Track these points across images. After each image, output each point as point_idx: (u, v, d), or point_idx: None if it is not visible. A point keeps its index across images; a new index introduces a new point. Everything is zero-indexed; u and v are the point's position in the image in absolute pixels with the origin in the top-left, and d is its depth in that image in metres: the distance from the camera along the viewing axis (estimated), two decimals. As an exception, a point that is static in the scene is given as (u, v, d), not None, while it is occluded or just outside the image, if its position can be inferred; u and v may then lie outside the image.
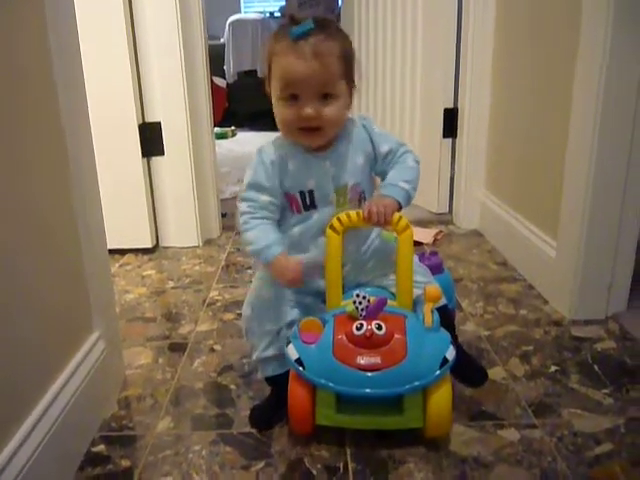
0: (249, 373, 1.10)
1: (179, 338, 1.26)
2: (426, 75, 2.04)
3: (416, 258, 1.00)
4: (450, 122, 1.96)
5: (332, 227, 0.89)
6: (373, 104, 2.37)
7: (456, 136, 1.96)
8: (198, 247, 1.85)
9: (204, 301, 1.45)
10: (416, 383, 0.83)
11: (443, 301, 0.97)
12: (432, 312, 0.88)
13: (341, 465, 0.85)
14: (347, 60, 0.89)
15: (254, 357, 0.98)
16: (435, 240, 1.83)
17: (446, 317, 0.96)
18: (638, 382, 1.04)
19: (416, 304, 0.93)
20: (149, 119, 1.75)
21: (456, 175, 2.00)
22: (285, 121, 0.89)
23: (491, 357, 1.14)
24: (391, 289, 0.96)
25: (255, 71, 4.75)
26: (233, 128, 4.40)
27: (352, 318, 0.85)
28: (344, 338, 0.84)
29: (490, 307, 1.37)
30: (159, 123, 1.75)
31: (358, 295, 0.84)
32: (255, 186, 0.93)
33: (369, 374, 0.82)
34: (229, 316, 1.36)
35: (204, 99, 1.85)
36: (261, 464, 0.86)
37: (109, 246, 1.71)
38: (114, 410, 1.00)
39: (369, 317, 0.84)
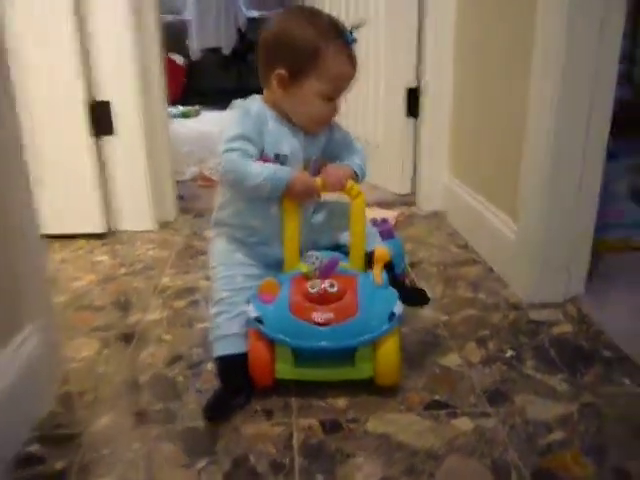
0: (198, 363, 1.06)
1: (127, 328, 1.20)
2: (389, 53, 1.99)
3: (368, 223, 1.07)
4: (413, 102, 1.92)
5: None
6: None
7: (417, 115, 1.93)
8: (153, 231, 1.78)
9: (155, 288, 1.39)
10: (366, 336, 0.90)
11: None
12: (381, 271, 0.95)
13: (287, 461, 0.82)
14: None
15: (213, 336, 0.97)
16: (396, 222, 1.80)
17: (391, 274, 1.02)
18: (593, 366, 1.03)
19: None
20: (99, 97, 1.66)
21: (418, 156, 1.97)
22: (318, 117, 0.96)
23: (447, 344, 1.11)
24: (345, 244, 1.03)
25: (220, 49, 4.63)
26: (197, 107, 4.29)
27: (307, 278, 0.92)
28: (299, 296, 0.91)
29: (449, 291, 1.34)
30: (108, 102, 1.67)
31: (311, 255, 0.93)
32: (244, 137, 0.92)
33: (323, 329, 0.89)
34: (180, 303, 1.31)
35: (157, 76, 1.77)
36: (204, 462, 0.82)
37: (59, 231, 1.68)
38: (51, 407, 0.94)
39: (323, 276, 0.91)
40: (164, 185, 1.85)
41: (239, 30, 4.71)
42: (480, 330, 1.17)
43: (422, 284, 1.37)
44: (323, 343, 0.89)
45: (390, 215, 1.82)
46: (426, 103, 1.86)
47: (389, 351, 0.93)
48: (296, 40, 0.91)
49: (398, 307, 0.93)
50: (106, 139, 1.70)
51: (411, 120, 1.96)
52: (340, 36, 0.91)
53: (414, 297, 1.10)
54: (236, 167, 0.92)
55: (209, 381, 0.99)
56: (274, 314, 0.91)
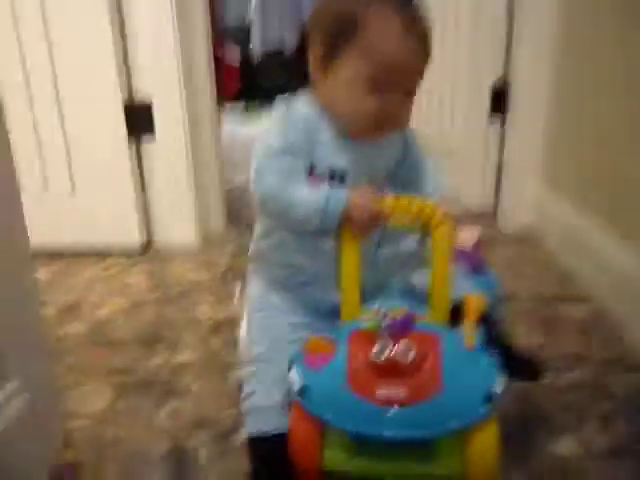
0: (228, 432, 0.83)
1: (149, 372, 0.99)
2: (470, 41, 1.71)
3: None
4: (499, 99, 1.63)
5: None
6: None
7: (505, 119, 1.63)
8: (196, 246, 1.58)
9: (190, 320, 1.18)
10: (453, 424, 0.63)
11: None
12: (475, 329, 0.69)
13: None
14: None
15: (245, 407, 0.74)
16: (478, 243, 1.51)
17: (489, 331, 0.74)
18: None
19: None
20: (138, 98, 1.47)
21: (504, 163, 1.67)
22: (362, 113, 0.69)
23: (558, 420, 0.83)
24: (421, 289, 0.75)
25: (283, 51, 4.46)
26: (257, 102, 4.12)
27: (371, 337, 0.65)
28: (360, 363, 0.65)
29: (550, 339, 1.05)
30: (149, 102, 1.48)
31: (379, 311, 0.65)
32: (286, 150, 0.69)
33: (392, 411, 0.63)
34: (216, 342, 1.08)
35: (204, 75, 1.57)
36: None
37: (92, 242, 1.51)
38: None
39: (393, 337, 0.65)
40: (210, 194, 1.64)
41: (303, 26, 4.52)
42: (600, 402, 0.87)
43: (515, 330, 1.09)
44: (391, 432, 0.63)
45: (469, 235, 1.53)
46: (516, 100, 1.56)
47: (485, 445, 0.66)
48: (331, 5, 0.70)
49: (499, 382, 0.66)
50: (146, 142, 1.51)
51: (496, 119, 1.67)
52: (394, 1, 0.67)
53: (520, 367, 0.80)
54: (276, 194, 0.69)
55: (238, 462, 0.76)
56: (324, 386, 0.66)
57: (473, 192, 1.76)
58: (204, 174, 1.62)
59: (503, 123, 1.65)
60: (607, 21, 1.21)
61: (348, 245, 0.72)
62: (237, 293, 1.20)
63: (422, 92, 1.93)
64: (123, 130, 1.44)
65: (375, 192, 0.71)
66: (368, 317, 0.67)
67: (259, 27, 4.55)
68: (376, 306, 0.67)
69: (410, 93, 0.70)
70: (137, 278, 1.40)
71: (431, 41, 0.70)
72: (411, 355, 0.63)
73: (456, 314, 0.73)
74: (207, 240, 1.62)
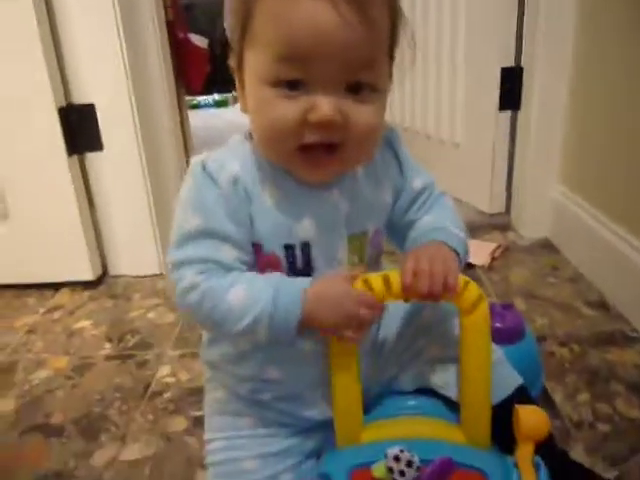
0: None
1: (91, 476, 0.76)
2: (475, 18, 1.45)
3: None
4: (511, 87, 1.38)
5: None
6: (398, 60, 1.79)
7: (519, 107, 1.39)
8: (159, 275, 1.33)
9: (147, 388, 0.94)
10: None
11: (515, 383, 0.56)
12: (534, 463, 0.47)
13: None
14: (396, 18, 0.47)
15: None
16: (493, 259, 1.29)
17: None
18: None
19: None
20: (76, 100, 1.21)
21: (518, 161, 1.43)
22: (276, 127, 0.45)
23: None
24: (446, 392, 0.55)
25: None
26: (235, 94, 3.83)
27: None
28: None
29: (600, 405, 0.83)
30: (92, 105, 1.21)
31: (398, 458, 0.44)
32: (210, 233, 0.48)
33: None
34: (179, 424, 0.85)
35: (158, 63, 1.30)
36: None
37: (31, 280, 1.26)
38: None
39: None
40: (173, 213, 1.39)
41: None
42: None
43: (550, 384, 0.87)
44: None
45: (484, 250, 1.30)
46: (531, 89, 1.31)
47: None
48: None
49: None
50: (91, 156, 1.25)
51: (506, 112, 1.42)
52: None
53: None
54: (199, 299, 0.47)
55: None
56: None
57: (481, 194, 1.53)
58: (167, 187, 1.36)
59: (515, 116, 1.41)
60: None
61: (339, 346, 0.50)
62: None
63: (417, 79, 1.67)
64: (59, 140, 1.18)
65: (361, 270, 0.49)
66: (377, 444, 0.46)
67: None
68: (394, 448, 0.45)
69: (358, 88, 0.45)
70: (85, 324, 1.15)
71: (383, 8, 0.44)
72: None
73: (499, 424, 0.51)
74: (173, 265, 1.37)
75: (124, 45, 1.17)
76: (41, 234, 1.24)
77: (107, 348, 1.06)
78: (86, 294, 1.27)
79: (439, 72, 1.60)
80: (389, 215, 0.57)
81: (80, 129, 1.22)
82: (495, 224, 1.47)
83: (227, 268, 0.48)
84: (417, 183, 0.57)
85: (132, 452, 0.80)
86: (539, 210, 1.37)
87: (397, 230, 0.58)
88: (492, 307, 0.71)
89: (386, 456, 0.45)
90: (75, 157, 1.23)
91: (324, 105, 0.43)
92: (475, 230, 1.44)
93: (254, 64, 0.45)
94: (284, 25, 0.42)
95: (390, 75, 0.50)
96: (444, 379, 0.55)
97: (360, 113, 0.45)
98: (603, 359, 0.93)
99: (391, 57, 0.49)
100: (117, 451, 0.80)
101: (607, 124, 1.14)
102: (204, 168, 0.49)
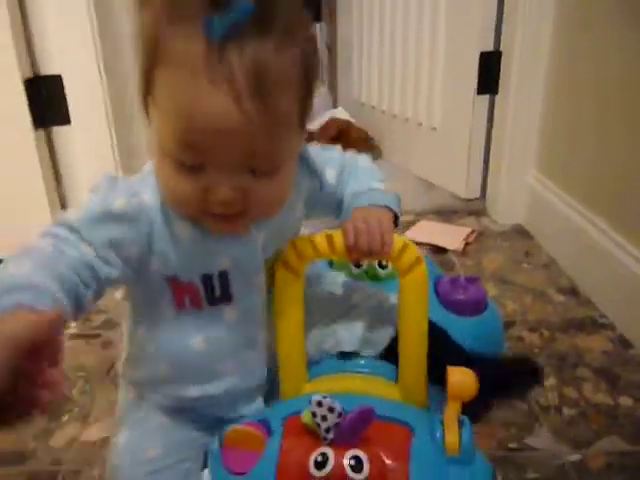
0: None
1: None
2: (455, 2, 1.43)
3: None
4: (489, 72, 1.37)
5: (286, 264, 0.54)
6: (378, 42, 1.77)
7: (497, 92, 1.38)
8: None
9: (110, 368, 0.91)
10: None
11: None
12: (459, 424, 0.48)
13: None
14: (309, 85, 0.45)
15: None
16: (467, 244, 1.29)
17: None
18: None
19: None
20: (43, 71, 1.17)
21: (494, 147, 1.43)
22: (177, 199, 0.45)
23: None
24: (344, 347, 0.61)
25: None
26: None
27: (313, 432, 0.47)
28: (298, 472, 0.46)
29: (569, 390, 0.83)
30: (59, 77, 1.17)
31: (320, 403, 0.46)
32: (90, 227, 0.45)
33: None
34: None
35: (131, 35, 1.25)
36: None
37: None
38: None
39: (341, 442, 0.46)
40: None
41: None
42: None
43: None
44: None
45: (457, 235, 1.30)
46: (510, 73, 1.30)
47: None
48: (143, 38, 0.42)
49: None
50: (58, 130, 1.21)
51: (484, 97, 1.41)
52: (193, 22, 0.38)
53: (518, 374, 0.73)
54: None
55: None
56: None
57: (457, 178, 1.52)
58: (137, 162, 1.32)
59: (492, 101, 1.40)
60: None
61: (286, 295, 0.54)
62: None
63: (396, 62, 1.66)
64: (25, 113, 1.14)
65: None
66: (306, 414, 0.47)
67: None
68: (316, 398, 0.46)
69: (253, 171, 0.44)
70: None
71: (290, 92, 0.42)
72: (365, 472, 0.45)
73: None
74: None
75: (93, 13, 1.13)
76: (5, 210, 1.20)
77: (72, 327, 1.03)
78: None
79: (418, 55, 1.59)
80: (322, 203, 0.60)
81: (47, 102, 1.18)
82: (470, 209, 1.47)
83: (82, 262, 0.43)
84: (330, 174, 0.58)
85: (93, 433, 0.78)
86: (514, 196, 1.37)
87: (334, 209, 0.61)
88: (457, 280, 0.74)
89: (310, 402, 0.46)
90: (42, 131, 1.19)
91: (222, 187, 0.42)
92: (450, 215, 1.44)
93: (158, 125, 0.43)
94: (184, 114, 0.40)
95: (301, 141, 0.50)
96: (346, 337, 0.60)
97: (262, 189, 0.44)
98: (572, 345, 0.94)
99: (302, 126, 0.47)
100: (78, 432, 0.78)
101: (584, 112, 1.13)
102: (115, 182, 0.48)
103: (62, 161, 1.24)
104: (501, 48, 1.33)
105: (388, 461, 0.46)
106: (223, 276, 0.50)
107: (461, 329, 0.68)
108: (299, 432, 0.48)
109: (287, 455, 0.47)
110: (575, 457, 0.71)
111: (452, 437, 0.47)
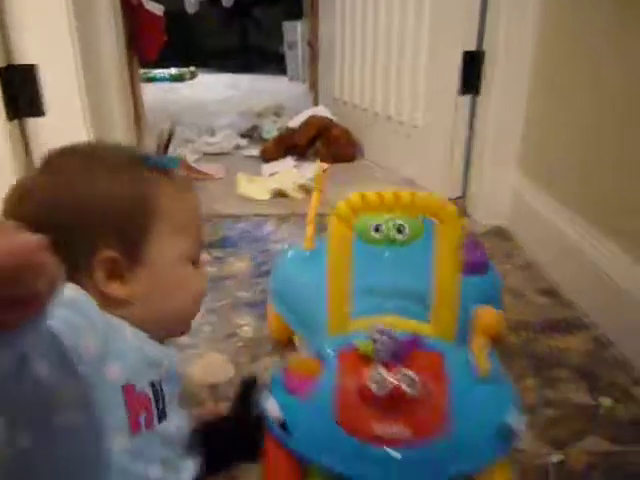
0: None
1: None
2: (439, 1, 1.43)
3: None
4: (471, 72, 1.37)
5: (339, 215, 0.61)
6: (361, 40, 1.76)
7: (479, 92, 1.38)
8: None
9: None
10: (460, 468, 0.53)
11: None
12: (487, 351, 0.60)
13: None
14: None
15: None
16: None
17: None
18: None
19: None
20: (17, 60, 1.13)
21: (476, 147, 1.43)
22: (197, 299, 0.53)
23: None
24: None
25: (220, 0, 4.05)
26: (193, 69, 3.73)
27: (365, 358, 0.54)
28: (353, 393, 0.54)
29: (548, 391, 0.83)
30: (34, 66, 1.14)
31: (381, 331, 0.54)
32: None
33: (391, 452, 0.52)
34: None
35: (109, 26, 1.23)
36: None
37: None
38: None
39: (392, 363, 0.53)
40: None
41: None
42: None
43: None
44: (389, 476, 0.52)
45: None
46: (492, 73, 1.31)
47: None
48: (108, 201, 0.46)
49: (514, 415, 0.54)
50: (33, 120, 1.18)
51: (466, 97, 1.41)
52: (156, 168, 0.49)
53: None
54: None
55: None
56: (309, 417, 0.54)
57: (439, 177, 1.52)
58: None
59: (475, 101, 1.40)
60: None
61: (339, 242, 0.61)
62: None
63: (377, 61, 1.66)
64: (-2, 105, 1.11)
65: None
66: (361, 331, 0.56)
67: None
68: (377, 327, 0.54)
69: None
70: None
71: None
72: (416, 387, 0.51)
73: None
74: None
75: (70, 2, 1.09)
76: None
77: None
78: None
79: (401, 54, 1.59)
80: None
81: (21, 92, 1.15)
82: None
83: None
84: None
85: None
86: (496, 197, 1.38)
87: None
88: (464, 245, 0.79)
89: (360, 336, 0.54)
90: (16, 122, 1.16)
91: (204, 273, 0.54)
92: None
93: (175, 248, 0.49)
94: (190, 212, 0.51)
95: None
96: None
97: None
98: (551, 345, 0.94)
99: None
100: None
101: (567, 114, 1.14)
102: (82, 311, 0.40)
103: (35, 153, 1.21)
104: (484, 48, 1.34)
105: (431, 381, 0.53)
106: (158, 385, 0.46)
107: (468, 287, 0.71)
108: (353, 359, 0.55)
109: (345, 376, 0.54)
110: (557, 457, 0.71)
111: (482, 362, 0.56)
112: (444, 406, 0.54)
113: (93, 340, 0.37)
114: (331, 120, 1.93)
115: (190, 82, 3.50)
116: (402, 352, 0.54)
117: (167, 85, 3.36)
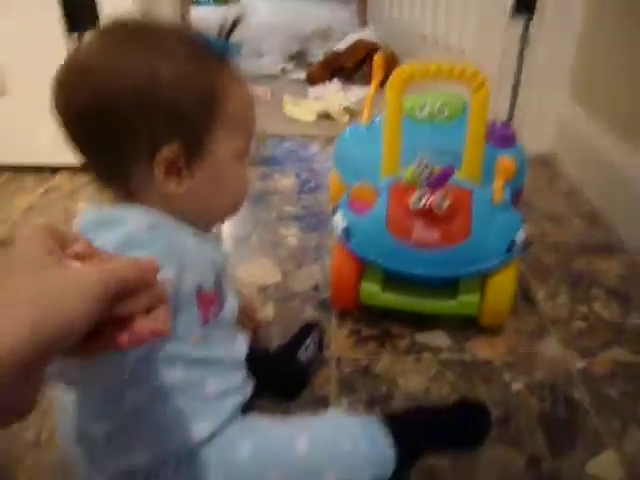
0: None
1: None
2: None
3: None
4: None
5: (392, 85, 0.76)
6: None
7: (533, 13, 1.34)
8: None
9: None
10: (477, 266, 0.74)
11: None
12: (503, 187, 0.76)
13: None
14: None
15: None
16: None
17: None
18: None
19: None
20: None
21: (526, 72, 1.40)
22: (245, 190, 0.53)
23: (592, 424, 0.67)
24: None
25: None
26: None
27: (410, 189, 0.74)
28: (400, 209, 0.74)
29: (580, 307, 0.87)
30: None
31: (421, 161, 0.72)
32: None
33: (425, 252, 0.73)
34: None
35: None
36: None
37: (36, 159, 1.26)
38: None
39: (431, 188, 0.72)
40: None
41: None
42: (647, 396, 0.71)
43: (536, 290, 0.90)
44: (422, 269, 0.74)
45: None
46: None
47: (502, 288, 0.76)
48: (175, 93, 0.44)
49: (520, 234, 0.75)
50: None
51: (520, 17, 1.37)
52: (219, 54, 0.47)
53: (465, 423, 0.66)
54: None
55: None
56: (366, 228, 0.76)
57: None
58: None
59: (528, 24, 1.36)
60: None
61: (392, 102, 0.76)
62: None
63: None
64: (58, 17, 1.14)
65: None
66: (407, 170, 0.74)
67: None
68: (421, 156, 0.72)
69: None
70: (84, 206, 1.17)
71: None
72: (446, 204, 0.71)
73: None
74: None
75: None
76: (40, 113, 1.22)
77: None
78: (85, 178, 1.28)
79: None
80: None
81: (80, 7, 1.18)
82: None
83: None
84: None
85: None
86: (542, 123, 1.36)
87: None
88: (494, 125, 0.93)
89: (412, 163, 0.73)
90: (75, 35, 1.19)
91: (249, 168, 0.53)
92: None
93: (232, 143, 0.48)
94: (248, 107, 0.50)
95: None
96: None
97: None
98: (587, 266, 0.96)
99: None
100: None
101: (625, 38, 1.11)
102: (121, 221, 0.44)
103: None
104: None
105: (459, 205, 0.72)
106: (219, 285, 0.53)
107: (496, 157, 0.78)
108: (401, 190, 0.74)
109: (394, 198, 0.74)
110: (581, 364, 0.75)
111: (498, 194, 0.74)
112: (467, 223, 0.73)
113: (172, 269, 0.44)
114: (378, 44, 1.90)
115: (235, 4, 3.44)
116: (438, 177, 0.70)
117: (211, 8, 3.31)
